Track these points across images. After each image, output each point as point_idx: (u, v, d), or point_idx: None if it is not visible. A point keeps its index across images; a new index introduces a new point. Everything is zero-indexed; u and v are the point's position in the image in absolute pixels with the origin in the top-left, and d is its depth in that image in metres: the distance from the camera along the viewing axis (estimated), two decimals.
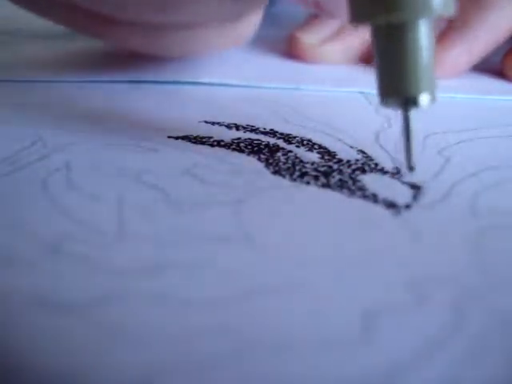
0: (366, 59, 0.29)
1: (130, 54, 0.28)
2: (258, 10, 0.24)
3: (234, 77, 0.27)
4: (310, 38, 0.29)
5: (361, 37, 0.29)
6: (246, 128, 0.22)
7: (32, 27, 0.35)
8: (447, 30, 0.27)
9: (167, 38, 0.24)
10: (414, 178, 0.18)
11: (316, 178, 0.18)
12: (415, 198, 0.17)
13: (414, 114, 0.17)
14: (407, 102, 0.16)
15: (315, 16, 0.29)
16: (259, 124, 0.22)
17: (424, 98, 0.16)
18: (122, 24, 0.23)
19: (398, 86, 0.16)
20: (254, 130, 0.22)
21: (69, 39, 0.33)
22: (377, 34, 0.16)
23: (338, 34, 0.29)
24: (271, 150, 0.20)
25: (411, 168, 0.18)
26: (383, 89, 0.16)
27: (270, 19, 0.30)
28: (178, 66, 0.28)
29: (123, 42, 0.25)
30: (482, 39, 0.27)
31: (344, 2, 0.16)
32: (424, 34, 0.15)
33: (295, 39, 0.29)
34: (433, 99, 0.16)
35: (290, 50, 0.30)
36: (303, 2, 0.21)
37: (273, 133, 0.22)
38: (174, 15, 0.22)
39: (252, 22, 0.25)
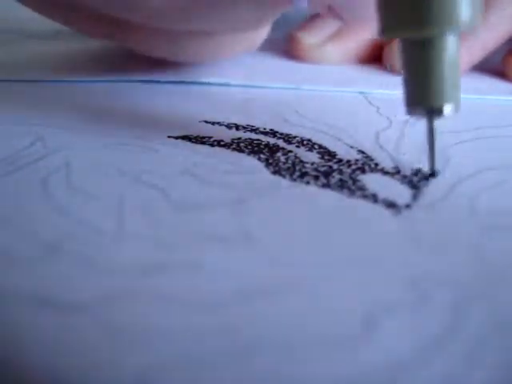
0: (365, 60, 0.29)
1: (129, 54, 0.28)
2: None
3: (233, 76, 0.27)
4: (310, 39, 0.29)
5: (361, 38, 0.29)
6: (246, 128, 0.22)
7: (30, 27, 0.35)
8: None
9: (182, 43, 0.25)
10: (414, 178, 0.18)
11: (316, 177, 0.18)
12: (415, 197, 0.17)
13: (437, 122, 0.18)
14: (432, 111, 0.17)
15: (316, 16, 0.29)
16: (259, 124, 0.22)
17: (448, 108, 0.17)
18: (137, 29, 0.23)
19: (423, 96, 0.17)
20: (253, 129, 0.22)
21: (67, 39, 0.33)
22: (405, 46, 0.17)
23: (338, 35, 0.29)
24: (271, 150, 0.20)
25: (434, 173, 0.19)
26: (409, 98, 0.17)
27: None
28: (177, 65, 0.28)
29: (138, 46, 0.25)
30: (482, 40, 0.27)
31: (357, 8, 0.16)
32: (451, 47, 0.16)
33: (295, 39, 0.29)
34: (457, 109, 0.17)
35: (290, 50, 0.30)
36: (316, 7, 0.21)
37: (273, 133, 0.22)
38: (198, 24, 0.22)
39: (265, 28, 0.25)
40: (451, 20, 0.15)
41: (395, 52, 0.27)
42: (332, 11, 0.21)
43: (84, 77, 0.27)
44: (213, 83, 0.26)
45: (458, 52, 0.16)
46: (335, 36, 0.29)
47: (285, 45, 0.30)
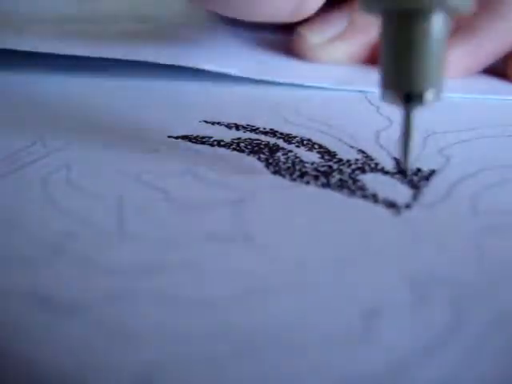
0: (370, 61, 0.29)
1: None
2: None
3: (233, 68, 0.27)
4: (315, 37, 0.29)
5: (367, 38, 0.28)
6: (246, 128, 0.22)
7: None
8: (453, 33, 0.27)
9: None
10: (415, 177, 0.18)
11: (316, 177, 0.18)
12: (415, 197, 0.17)
13: (415, 112, 0.16)
14: (410, 97, 0.15)
15: (323, 14, 0.29)
16: (259, 124, 0.22)
17: (428, 95, 0.15)
18: None
19: (402, 77, 0.15)
20: (253, 129, 0.22)
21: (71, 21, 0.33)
22: (387, 21, 0.15)
23: (344, 35, 0.29)
24: (271, 150, 0.20)
25: (405, 172, 0.18)
26: (385, 81, 0.15)
27: None
28: (180, 53, 0.28)
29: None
30: (486, 49, 0.27)
31: None
32: (437, 27, 0.15)
33: (300, 37, 0.29)
34: (437, 98, 0.15)
35: (295, 48, 0.30)
36: None
37: (273, 133, 0.22)
38: None
39: None
40: None
41: None
42: None
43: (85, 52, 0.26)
44: (212, 71, 0.26)
45: (445, 37, 0.15)
46: (341, 36, 0.29)
47: (290, 42, 0.30)
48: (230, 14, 0.26)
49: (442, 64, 0.15)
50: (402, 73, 0.15)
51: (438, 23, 0.14)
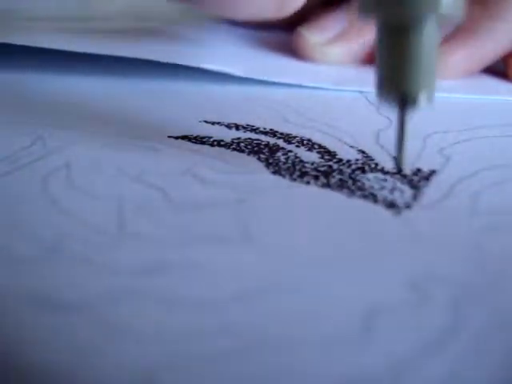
0: (371, 61, 0.29)
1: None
2: None
3: (233, 68, 0.27)
4: (315, 37, 0.29)
5: (367, 38, 0.28)
6: (246, 128, 0.22)
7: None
8: (453, 35, 0.27)
9: None
10: (415, 177, 0.18)
11: (316, 177, 0.18)
12: (415, 197, 0.17)
13: (409, 113, 0.17)
14: (404, 98, 0.16)
15: (324, 14, 0.29)
16: (259, 124, 0.22)
17: (422, 97, 0.16)
18: None
19: (397, 81, 0.16)
20: (253, 129, 0.22)
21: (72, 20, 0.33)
22: (382, 28, 0.16)
23: (344, 35, 0.29)
24: (271, 150, 0.20)
25: (399, 170, 0.18)
26: (381, 83, 0.16)
27: None
28: (182, 53, 0.28)
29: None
30: (486, 50, 0.27)
31: None
32: (429, 32, 0.15)
33: (300, 37, 0.29)
34: (430, 101, 0.16)
35: (296, 48, 0.29)
36: None
37: (273, 133, 0.22)
38: None
39: None
40: (431, 6, 0.15)
41: None
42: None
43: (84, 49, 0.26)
44: (212, 70, 0.26)
45: (437, 41, 0.16)
46: (342, 35, 0.29)
47: (290, 42, 0.30)
48: (216, 13, 0.26)
49: (434, 69, 0.16)
50: (396, 78, 0.16)
51: (429, 32, 0.15)
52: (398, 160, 0.18)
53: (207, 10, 0.26)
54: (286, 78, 0.27)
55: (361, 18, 0.16)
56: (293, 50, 0.29)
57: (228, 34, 0.33)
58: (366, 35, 0.28)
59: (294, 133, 0.22)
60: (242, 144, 0.21)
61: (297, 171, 0.19)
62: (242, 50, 0.31)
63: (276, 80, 0.26)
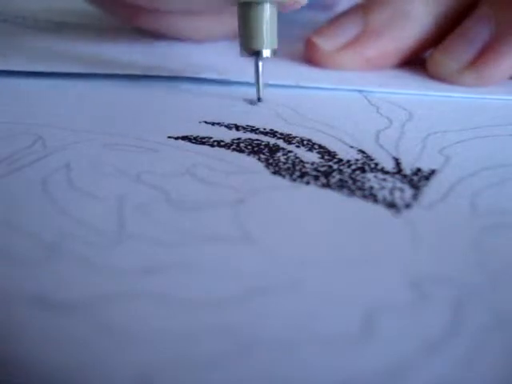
0: (385, 66, 0.29)
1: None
2: None
3: (234, 74, 0.27)
4: (327, 45, 0.28)
5: (378, 45, 0.28)
6: (245, 128, 0.22)
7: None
8: (494, 44, 0.26)
9: (167, 21, 0.29)
10: (415, 177, 0.18)
11: (316, 177, 0.18)
12: (415, 197, 0.17)
13: (260, 61, 0.24)
14: (256, 53, 0.24)
15: (334, 21, 0.29)
16: (259, 124, 0.22)
17: (267, 52, 0.24)
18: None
19: (251, 42, 0.24)
20: (253, 130, 0.22)
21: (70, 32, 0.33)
22: (239, 8, 0.24)
23: (355, 42, 0.28)
24: (271, 150, 0.20)
25: (259, 99, 0.25)
26: (242, 44, 0.24)
27: (288, 22, 0.30)
28: (181, 63, 0.28)
29: (129, 19, 0.30)
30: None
31: None
32: (267, 11, 0.23)
33: (312, 44, 0.29)
34: (273, 55, 0.24)
35: (306, 55, 0.29)
36: None
37: (273, 133, 0.22)
38: (164, 4, 0.27)
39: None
40: None
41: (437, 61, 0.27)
42: None
43: (79, 69, 0.27)
44: (215, 79, 0.26)
45: (274, 15, 0.24)
46: (353, 43, 0.28)
47: (303, 51, 0.30)
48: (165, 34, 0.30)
49: (273, 33, 0.24)
50: (250, 39, 0.24)
51: (268, 10, 0.23)
52: (256, 92, 0.25)
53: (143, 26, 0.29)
54: (286, 79, 0.27)
55: (226, 3, 0.24)
56: (306, 59, 0.29)
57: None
58: (381, 39, 0.28)
59: (294, 133, 0.22)
60: (242, 144, 0.21)
61: (297, 171, 0.19)
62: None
63: (276, 82, 0.26)
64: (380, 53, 0.28)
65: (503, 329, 0.12)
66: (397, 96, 0.26)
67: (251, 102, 0.25)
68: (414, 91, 0.26)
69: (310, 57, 0.29)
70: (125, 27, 0.34)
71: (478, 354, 0.12)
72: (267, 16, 0.24)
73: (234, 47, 0.32)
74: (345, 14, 0.29)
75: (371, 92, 0.26)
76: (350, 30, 0.28)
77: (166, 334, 0.12)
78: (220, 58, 0.30)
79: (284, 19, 0.26)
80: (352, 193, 0.17)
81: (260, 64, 0.24)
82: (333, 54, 0.28)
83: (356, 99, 0.26)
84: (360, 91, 0.26)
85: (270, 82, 0.26)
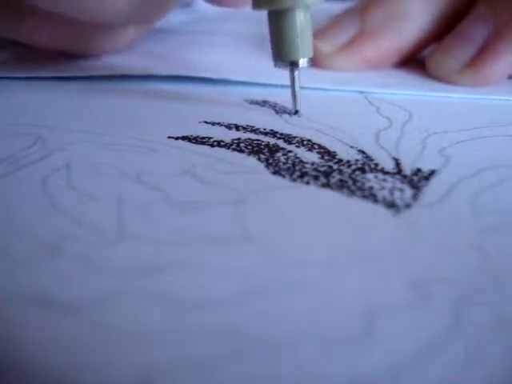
0: (384, 65, 0.29)
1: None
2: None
3: (234, 75, 0.27)
4: (326, 46, 0.28)
5: (376, 46, 0.28)
6: (245, 128, 0.22)
7: None
8: (492, 42, 0.26)
9: (67, 34, 0.27)
10: (415, 177, 0.18)
11: (316, 177, 0.18)
12: (415, 197, 0.17)
13: (296, 72, 0.23)
14: (292, 64, 0.22)
15: (331, 23, 0.29)
16: (259, 124, 0.22)
17: (303, 62, 0.22)
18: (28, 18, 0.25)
19: (285, 52, 0.22)
20: (253, 130, 0.22)
21: None
22: (270, 16, 0.22)
23: (353, 43, 0.28)
24: (271, 150, 0.20)
25: (296, 111, 0.23)
26: (275, 55, 0.22)
27: None
28: (181, 63, 0.28)
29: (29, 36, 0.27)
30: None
31: None
32: (301, 18, 0.22)
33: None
34: (309, 64, 0.23)
35: None
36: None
37: (273, 133, 0.22)
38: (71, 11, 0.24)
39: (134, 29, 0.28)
40: (298, 1, 0.21)
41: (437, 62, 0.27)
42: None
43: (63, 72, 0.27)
44: (213, 79, 0.26)
45: (308, 22, 0.22)
46: (351, 44, 0.28)
47: None
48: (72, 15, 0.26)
49: (309, 41, 0.22)
50: (284, 49, 0.22)
51: (300, 17, 0.22)
52: (293, 105, 0.23)
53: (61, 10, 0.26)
54: (286, 80, 0.27)
55: (254, 9, 0.22)
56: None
57: (227, 34, 0.33)
58: (379, 39, 0.28)
59: (293, 133, 0.22)
60: (242, 144, 0.21)
61: (297, 171, 0.19)
62: (240, 50, 0.31)
63: (276, 82, 0.26)
64: (378, 53, 0.28)
65: (503, 329, 0.12)
66: (397, 96, 0.26)
67: (289, 113, 0.24)
68: (414, 91, 0.26)
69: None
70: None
71: (478, 354, 0.12)
72: (300, 23, 0.22)
73: (234, 47, 0.32)
74: (342, 14, 0.29)
75: (371, 92, 0.26)
76: (347, 30, 0.28)
77: (166, 333, 0.12)
78: (221, 57, 0.30)
79: None
80: (352, 193, 0.17)
81: (296, 74, 0.23)
82: (332, 56, 0.28)
83: (356, 99, 0.26)
84: (360, 92, 0.26)
85: (268, 83, 0.26)
